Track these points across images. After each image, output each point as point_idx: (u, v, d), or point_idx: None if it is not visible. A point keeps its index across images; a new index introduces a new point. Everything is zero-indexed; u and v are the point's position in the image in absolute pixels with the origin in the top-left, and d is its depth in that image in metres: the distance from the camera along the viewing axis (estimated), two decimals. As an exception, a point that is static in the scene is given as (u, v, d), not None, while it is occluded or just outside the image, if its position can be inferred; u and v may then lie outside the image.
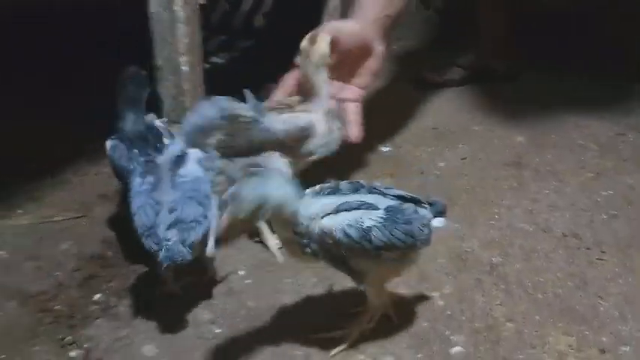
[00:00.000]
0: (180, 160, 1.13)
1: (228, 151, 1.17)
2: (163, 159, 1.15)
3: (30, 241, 1.33)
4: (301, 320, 1.09)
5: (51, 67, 2.09)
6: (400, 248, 0.95)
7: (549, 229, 1.35)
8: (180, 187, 1.07)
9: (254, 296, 1.15)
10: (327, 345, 1.03)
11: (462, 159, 1.65)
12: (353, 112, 1.31)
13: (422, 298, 1.15)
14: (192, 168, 1.12)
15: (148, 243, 1.01)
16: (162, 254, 0.98)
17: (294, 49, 1.27)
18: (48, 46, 2.11)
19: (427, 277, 1.20)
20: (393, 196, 0.98)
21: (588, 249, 1.28)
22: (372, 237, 0.91)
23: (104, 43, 2.13)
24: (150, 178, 1.09)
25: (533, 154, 1.69)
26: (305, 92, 1.25)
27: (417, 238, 0.96)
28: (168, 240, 0.99)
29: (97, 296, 1.22)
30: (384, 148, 1.72)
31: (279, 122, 1.19)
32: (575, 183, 1.53)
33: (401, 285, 1.17)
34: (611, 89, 2.10)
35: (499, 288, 1.17)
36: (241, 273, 1.21)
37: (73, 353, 1.06)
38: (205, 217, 1.04)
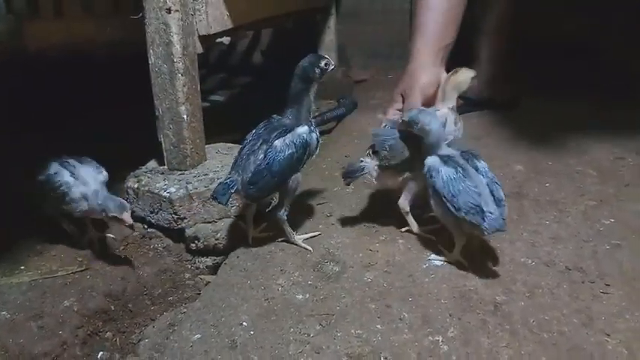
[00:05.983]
0: None
1: None
2: None
3: (33, 299, 1.34)
4: (306, 372, 1.08)
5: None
6: None
7: (552, 262, 1.34)
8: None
9: (258, 348, 1.14)
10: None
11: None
12: None
13: (426, 343, 1.14)
14: None
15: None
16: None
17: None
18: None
19: (431, 319, 1.19)
20: None
21: (592, 282, 1.27)
22: None
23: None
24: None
25: (533, 182, 1.68)
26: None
27: None
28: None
29: (100, 354, 1.22)
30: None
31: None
32: (576, 212, 1.53)
33: (405, 329, 1.17)
34: (611, 115, 2.10)
35: (504, 328, 1.16)
36: (244, 324, 1.21)
37: (77, 416, 1.06)
38: None
